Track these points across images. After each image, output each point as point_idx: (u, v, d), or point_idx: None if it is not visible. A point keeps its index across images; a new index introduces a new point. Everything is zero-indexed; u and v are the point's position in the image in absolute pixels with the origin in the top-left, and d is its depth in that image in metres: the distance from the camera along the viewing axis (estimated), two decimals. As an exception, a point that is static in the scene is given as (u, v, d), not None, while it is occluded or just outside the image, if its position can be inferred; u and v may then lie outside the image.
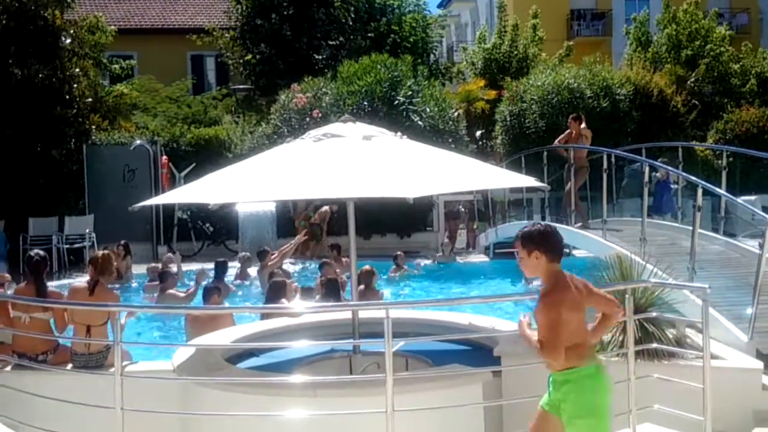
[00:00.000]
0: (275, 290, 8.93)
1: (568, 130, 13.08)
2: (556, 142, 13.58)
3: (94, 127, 19.00)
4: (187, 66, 31.17)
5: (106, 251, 7.43)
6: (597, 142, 13.74)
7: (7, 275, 8.08)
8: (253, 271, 12.89)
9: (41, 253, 7.16)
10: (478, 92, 24.38)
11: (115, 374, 4.69)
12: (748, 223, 11.29)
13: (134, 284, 13.33)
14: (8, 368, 6.49)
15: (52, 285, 7.57)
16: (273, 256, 12.00)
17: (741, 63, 27.83)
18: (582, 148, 13.05)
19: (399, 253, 14.32)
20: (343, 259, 12.48)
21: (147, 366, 6.62)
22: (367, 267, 9.89)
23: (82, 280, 7.28)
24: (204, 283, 10.16)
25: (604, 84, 19.61)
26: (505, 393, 5.79)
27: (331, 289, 9.15)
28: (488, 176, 6.57)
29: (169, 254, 13.38)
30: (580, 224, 12.67)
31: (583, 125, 12.92)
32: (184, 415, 5.57)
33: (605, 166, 11.74)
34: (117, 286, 12.55)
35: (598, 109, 18.98)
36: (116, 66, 23.00)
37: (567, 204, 13.19)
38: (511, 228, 15.67)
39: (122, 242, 13.54)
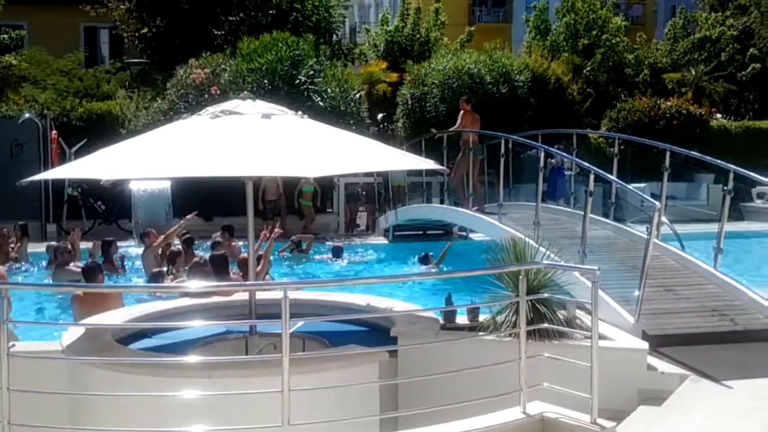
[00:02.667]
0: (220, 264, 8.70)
1: (461, 111, 13.59)
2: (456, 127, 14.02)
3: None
4: (80, 38, 30.08)
5: None
6: (495, 128, 14.13)
7: None
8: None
9: None
10: (380, 74, 24.46)
11: (0, 354, 4.49)
12: (637, 208, 11.84)
13: (32, 266, 12.79)
14: None
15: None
16: (158, 239, 11.67)
17: (635, 53, 29.04)
18: (476, 132, 13.54)
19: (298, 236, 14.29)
20: (233, 243, 12.32)
21: (35, 346, 6.39)
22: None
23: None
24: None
25: (504, 70, 20.06)
26: (401, 373, 5.87)
27: (221, 267, 8.94)
28: (390, 158, 6.62)
29: (76, 230, 12.86)
30: (476, 208, 13.02)
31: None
32: (72, 396, 5.42)
33: (503, 151, 12.05)
34: (15, 266, 12.06)
35: (497, 95, 19.42)
36: (5, 36, 21.91)
37: (459, 187, 13.66)
38: (411, 211, 15.90)
39: (20, 223, 13.01)
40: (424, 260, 12.46)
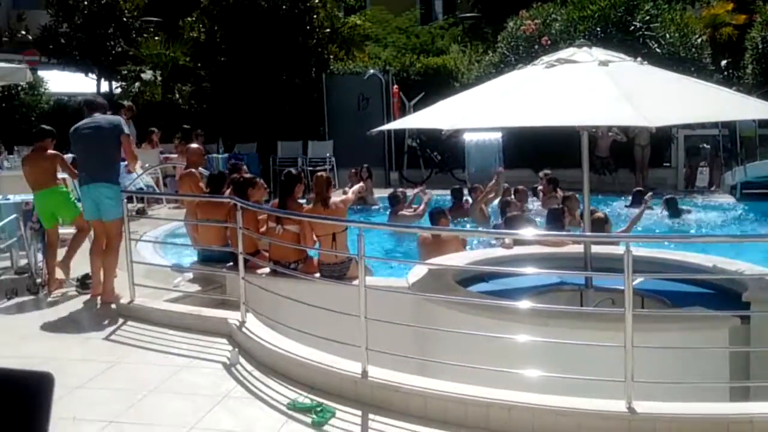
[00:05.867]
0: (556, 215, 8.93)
1: None
2: None
3: (331, 57, 19.90)
4: (415, -4, 31.50)
5: (323, 173, 7.92)
6: None
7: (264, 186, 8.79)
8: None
9: (293, 171, 7.85)
10: (724, 16, 22.34)
11: (359, 286, 4.99)
12: None
13: (380, 208, 13.79)
14: (265, 274, 7.20)
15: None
16: (483, 193, 11.91)
17: None
18: None
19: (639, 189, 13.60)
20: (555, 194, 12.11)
21: (386, 282, 7.05)
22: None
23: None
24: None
25: None
26: (753, 342, 5.42)
27: (555, 219, 8.96)
28: (741, 106, 6.09)
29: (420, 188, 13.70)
30: None
31: None
32: (418, 329, 5.83)
33: None
34: (358, 208, 13.22)
35: None
36: (350, -2, 23.78)
37: None
38: (763, 167, 14.42)
39: (365, 165, 14.25)
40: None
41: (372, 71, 18.95)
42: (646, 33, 17.12)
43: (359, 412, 4.70)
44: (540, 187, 12.77)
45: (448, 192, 12.44)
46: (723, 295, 6.15)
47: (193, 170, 8.98)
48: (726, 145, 16.63)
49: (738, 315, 5.28)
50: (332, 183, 7.92)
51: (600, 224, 8.95)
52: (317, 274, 7.23)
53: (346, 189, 9.56)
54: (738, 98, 6.33)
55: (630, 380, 4.28)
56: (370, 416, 4.65)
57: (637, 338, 4.34)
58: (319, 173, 7.79)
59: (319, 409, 4.70)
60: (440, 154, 17.95)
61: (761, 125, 14.69)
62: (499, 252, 7.62)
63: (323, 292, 6.16)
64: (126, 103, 15.35)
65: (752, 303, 5.64)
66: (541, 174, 13.36)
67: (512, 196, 11.45)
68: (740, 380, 5.14)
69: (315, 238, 7.31)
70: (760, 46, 18.54)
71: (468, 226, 11.18)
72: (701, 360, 4.97)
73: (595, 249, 6.49)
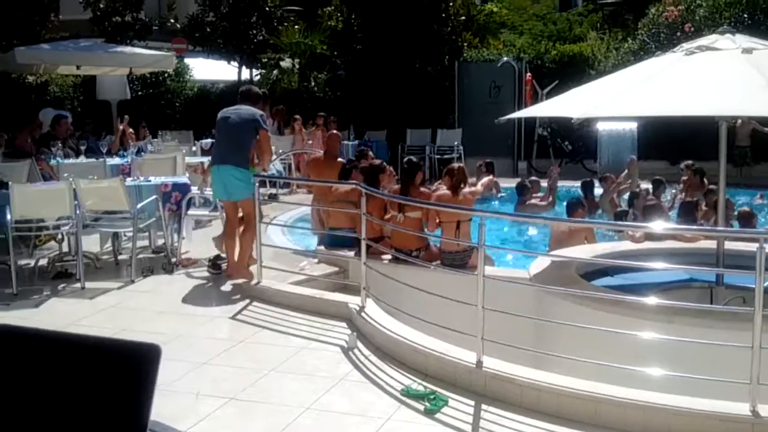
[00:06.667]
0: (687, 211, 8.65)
1: None
2: None
3: (465, 44, 19.84)
4: (555, -18, 30.89)
5: (460, 164, 7.94)
6: None
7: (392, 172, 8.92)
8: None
9: (413, 159, 7.93)
10: None
11: (478, 275, 4.99)
12: None
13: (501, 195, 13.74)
14: (387, 260, 7.33)
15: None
16: (615, 183, 11.53)
17: None
18: None
19: None
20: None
21: (506, 272, 7.01)
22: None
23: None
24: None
25: None
26: None
27: (688, 212, 8.62)
28: None
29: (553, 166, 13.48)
30: None
31: None
32: (537, 321, 5.79)
33: None
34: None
35: None
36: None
37: None
38: None
39: (487, 161, 14.11)
40: None
41: (505, 59, 18.74)
42: (798, 20, 16.02)
43: (472, 402, 4.71)
44: (684, 178, 12.21)
45: (578, 184, 12.15)
46: None
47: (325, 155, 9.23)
48: None
49: None
50: (466, 176, 7.92)
51: (747, 219, 8.54)
52: (438, 262, 7.29)
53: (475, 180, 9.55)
54: None
55: (756, 382, 4.11)
56: (483, 406, 4.66)
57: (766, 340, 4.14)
58: (453, 164, 7.84)
59: (432, 396, 4.75)
60: (571, 144, 17.56)
61: None
62: (627, 245, 7.41)
63: (444, 281, 6.20)
64: (280, 107, 15.98)
65: None
66: (682, 165, 12.79)
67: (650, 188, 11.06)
68: None
69: (439, 225, 7.38)
70: None
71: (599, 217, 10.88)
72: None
73: (732, 245, 6.22)
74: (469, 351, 5.05)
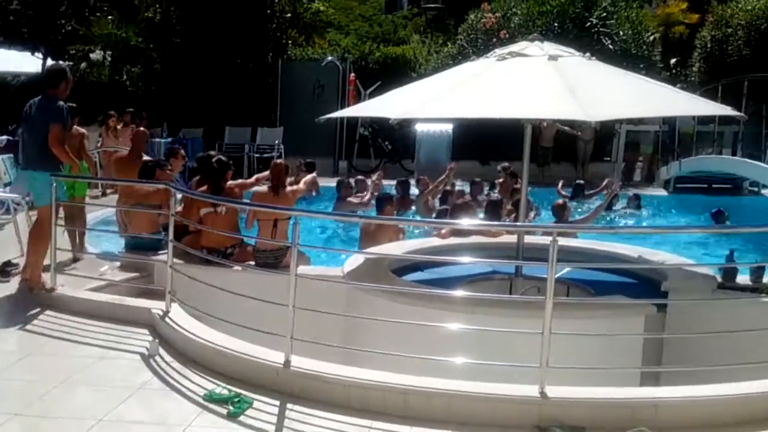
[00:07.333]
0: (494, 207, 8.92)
1: None
2: None
3: (290, 42, 19.69)
4: (382, -17, 31.46)
5: (281, 160, 7.91)
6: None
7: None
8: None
9: (222, 158, 7.73)
10: (678, 15, 22.71)
11: (291, 274, 4.93)
12: None
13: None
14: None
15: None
16: (430, 185, 11.86)
17: None
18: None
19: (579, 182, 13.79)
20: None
21: (320, 270, 6.98)
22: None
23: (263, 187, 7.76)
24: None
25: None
26: (669, 329, 5.56)
27: (493, 210, 8.99)
28: (682, 103, 6.19)
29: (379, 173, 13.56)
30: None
31: None
32: (351, 318, 5.81)
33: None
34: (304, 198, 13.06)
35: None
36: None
37: None
38: (697, 162, 14.74)
39: (307, 161, 14.02)
40: (717, 217, 11.24)
41: (330, 58, 18.82)
42: (601, 30, 17.31)
43: (278, 402, 4.62)
44: (499, 180, 12.76)
45: (395, 183, 12.40)
46: (643, 285, 6.26)
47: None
48: (665, 141, 16.89)
49: (654, 303, 5.38)
50: (289, 171, 7.86)
51: (560, 211, 9.07)
52: (252, 262, 7.14)
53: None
54: (681, 96, 6.41)
55: (545, 366, 4.36)
56: (289, 406, 4.58)
57: (559, 325, 4.37)
58: (277, 161, 7.77)
59: (236, 399, 4.61)
60: (391, 144, 17.90)
61: (700, 122, 14.94)
62: (436, 241, 7.62)
63: (260, 281, 6.09)
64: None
65: (670, 292, 5.75)
66: (499, 167, 13.38)
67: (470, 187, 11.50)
68: (651, 366, 5.25)
69: (256, 224, 7.26)
70: (708, 45, 18.85)
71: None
72: (616, 347, 5.03)
73: (534, 239, 6.55)
74: (277, 351, 4.95)
